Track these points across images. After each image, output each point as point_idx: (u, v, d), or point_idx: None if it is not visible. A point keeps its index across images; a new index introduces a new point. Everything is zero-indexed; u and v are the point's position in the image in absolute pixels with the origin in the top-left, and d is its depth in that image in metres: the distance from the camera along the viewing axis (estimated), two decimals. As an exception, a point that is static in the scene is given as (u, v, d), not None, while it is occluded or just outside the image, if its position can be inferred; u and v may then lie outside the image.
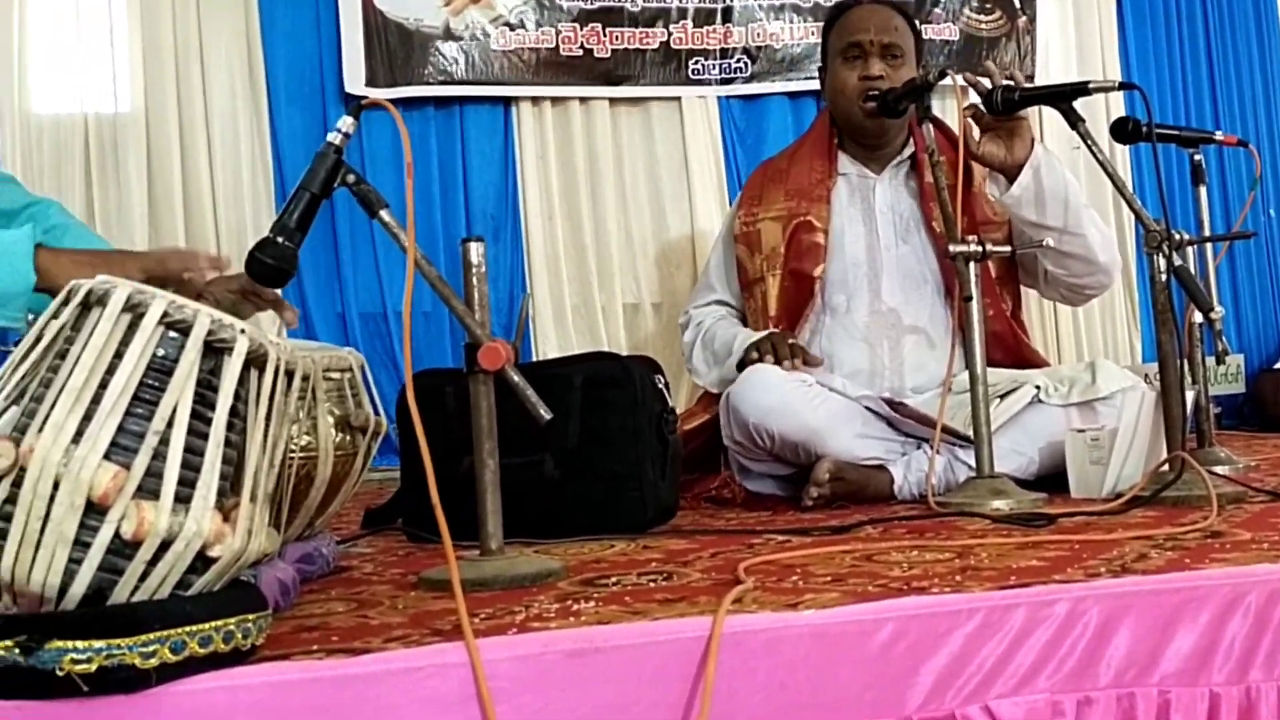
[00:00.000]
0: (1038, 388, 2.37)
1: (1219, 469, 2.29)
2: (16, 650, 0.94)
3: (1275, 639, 1.29)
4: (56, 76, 3.62)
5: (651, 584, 1.44)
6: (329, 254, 3.74)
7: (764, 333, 2.57)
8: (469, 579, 1.39)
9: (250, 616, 1.05)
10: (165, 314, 1.05)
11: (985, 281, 2.30)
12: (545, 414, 1.42)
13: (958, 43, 4.24)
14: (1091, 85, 2.18)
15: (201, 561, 1.04)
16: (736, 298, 2.79)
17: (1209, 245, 2.66)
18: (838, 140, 2.75)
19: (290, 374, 1.19)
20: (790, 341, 2.49)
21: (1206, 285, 2.56)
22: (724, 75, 4.08)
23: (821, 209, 2.65)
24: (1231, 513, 1.84)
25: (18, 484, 0.99)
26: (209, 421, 1.06)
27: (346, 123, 1.46)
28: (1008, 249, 2.38)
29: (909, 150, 2.71)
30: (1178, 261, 2.02)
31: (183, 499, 1.02)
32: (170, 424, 1.03)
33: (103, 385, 1.02)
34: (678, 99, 4.07)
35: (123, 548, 1.00)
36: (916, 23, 2.80)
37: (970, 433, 2.19)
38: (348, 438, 1.65)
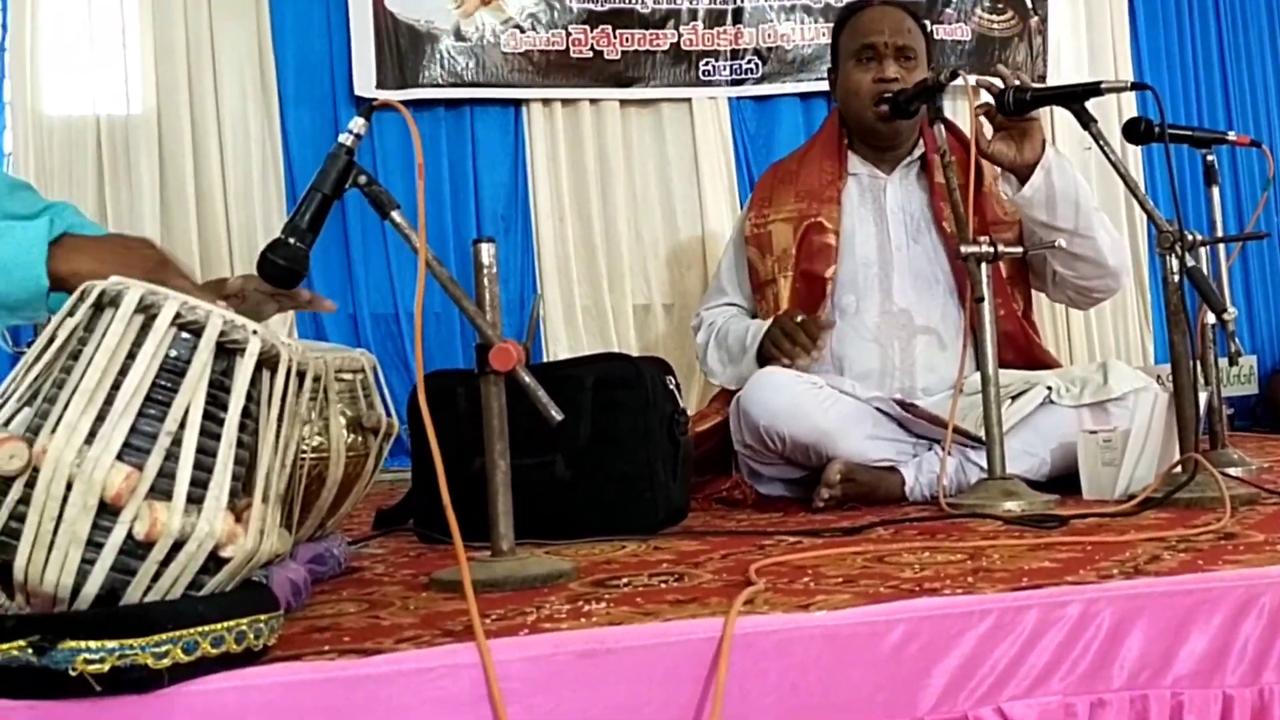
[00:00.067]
0: (1049, 389, 2.37)
1: (1232, 470, 2.28)
2: (30, 650, 0.94)
3: (1289, 641, 1.28)
4: (69, 78, 3.63)
5: (663, 585, 1.44)
6: (341, 255, 3.75)
7: (772, 320, 2.55)
8: (480, 580, 1.39)
9: (262, 617, 1.05)
10: (178, 315, 1.05)
11: (996, 282, 2.30)
12: (556, 415, 1.42)
13: (970, 43, 4.23)
14: (1104, 86, 2.18)
15: (214, 562, 1.04)
16: (748, 299, 2.78)
17: (1222, 246, 2.65)
18: (848, 141, 2.74)
19: (302, 375, 1.19)
20: (799, 320, 2.46)
21: (1219, 286, 2.55)
22: (735, 76, 4.08)
23: (832, 210, 2.64)
24: (1245, 514, 1.84)
25: (31, 485, 0.99)
26: (221, 422, 1.06)
27: (358, 124, 1.46)
28: (1019, 250, 2.38)
29: (919, 150, 2.70)
30: (1190, 262, 2.02)
31: (195, 500, 1.03)
32: (183, 425, 1.03)
33: (115, 386, 1.02)
34: (688, 100, 4.07)
35: (135, 548, 1.00)
36: (927, 24, 2.80)
37: (982, 434, 2.18)
38: (359, 439, 1.65)
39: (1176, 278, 2.03)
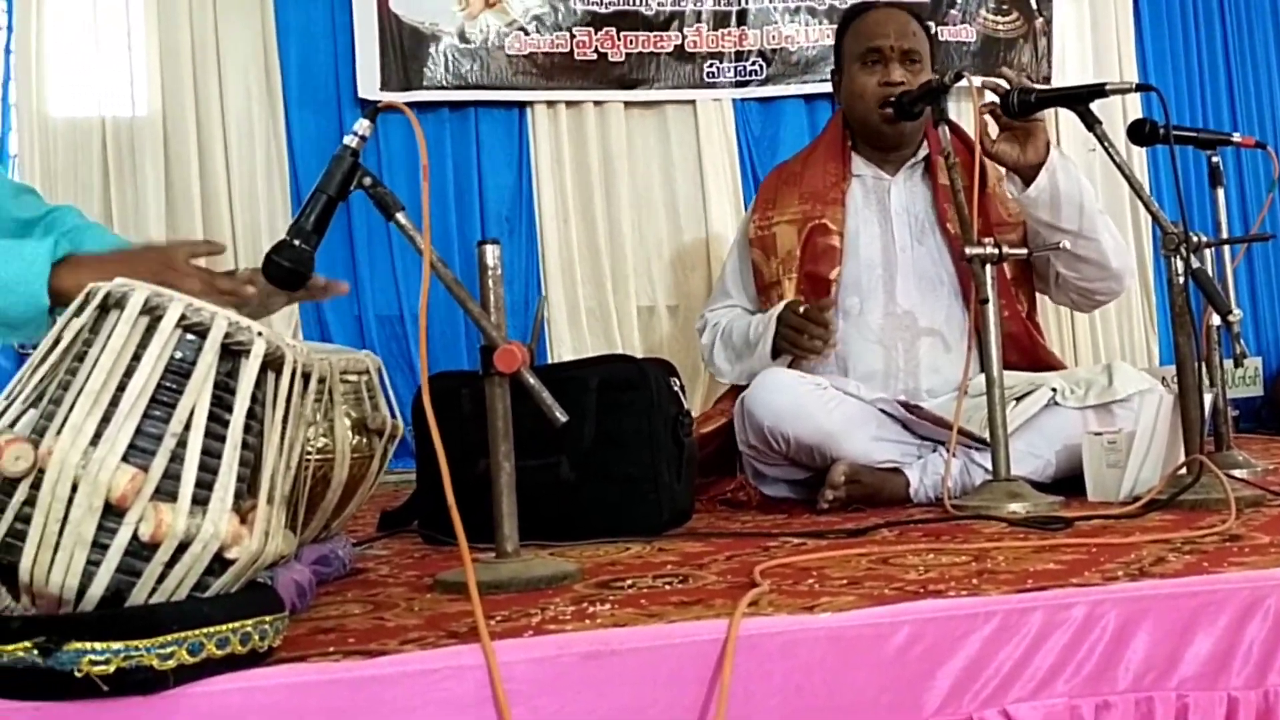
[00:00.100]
0: (1054, 390, 2.36)
1: (1237, 472, 2.28)
2: (35, 651, 0.94)
3: (1294, 643, 1.28)
4: (74, 80, 3.64)
5: (667, 586, 1.44)
6: (346, 256, 3.75)
7: (778, 309, 2.54)
8: (485, 581, 1.39)
9: (267, 618, 1.05)
10: (183, 316, 1.06)
11: (1001, 283, 2.30)
12: (561, 416, 1.42)
13: (975, 44, 4.23)
14: (1108, 87, 2.17)
15: (219, 563, 1.04)
16: (753, 301, 2.78)
17: (1227, 247, 2.65)
18: (851, 142, 2.74)
19: (307, 376, 1.19)
20: (803, 311, 2.45)
21: (1224, 288, 2.55)
22: (739, 78, 4.08)
23: (836, 211, 2.64)
24: (1250, 516, 1.83)
25: (36, 486, 0.99)
26: (226, 424, 1.06)
27: (363, 125, 1.46)
28: (1024, 251, 2.38)
29: (924, 151, 2.70)
30: (1195, 264, 2.01)
31: (200, 501, 1.03)
32: (188, 426, 1.03)
33: (121, 387, 1.03)
34: (693, 102, 4.07)
35: (141, 549, 1.00)
36: (930, 25, 2.80)
37: (986, 435, 2.18)
38: (364, 440, 1.65)
39: (1181, 279, 2.03)
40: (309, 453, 1.51)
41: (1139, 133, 2.44)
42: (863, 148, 2.73)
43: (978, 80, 2.32)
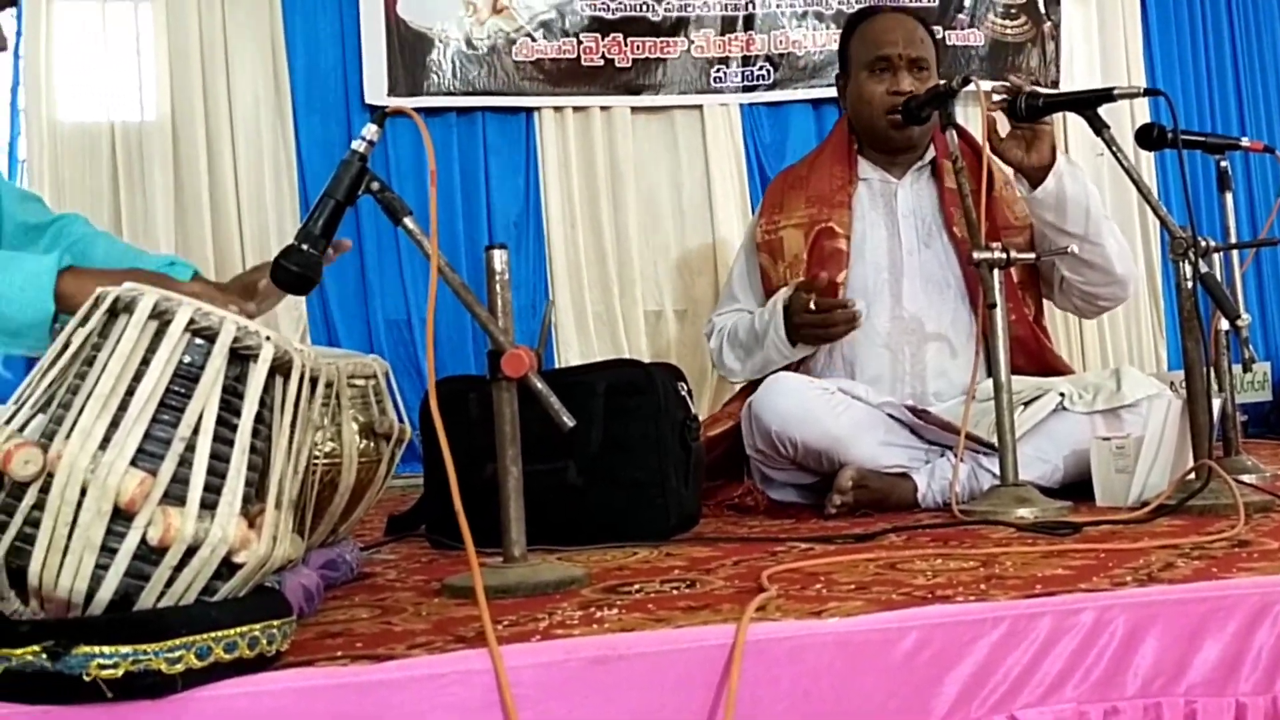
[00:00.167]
0: (1062, 395, 2.36)
1: (1246, 477, 2.28)
2: (44, 655, 0.94)
3: (1304, 649, 1.28)
4: (83, 85, 3.65)
5: (675, 591, 1.44)
6: (354, 261, 3.76)
7: (781, 297, 2.53)
8: (492, 586, 1.39)
9: (275, 622, 1.05)
10: (191, 321, 1.06)
11: (1008, 286, 2.30)
12: (568, 421, 1.42)
13: (982, 48, 4.23)
14: (1116, 91, 2.18)
15: (227, 567, 1.04)
16: (761, 305, 2.78)
17: (1235, 252, 2.65)
18: (857, 146, 2.74)
19: (315, 381, 1.19)
20: (811, 303, 2.44)
21: (1233, 292, 2.54)
22: (746, 83, 4.09)
23: (843, 215, 2.64)
24: (1259, 521, 1.83)
25: (46, 490, 0.99)
26: (234, 428, 1.07)
27: (371, 130, 1.47)
28: (1031, 256, 2.38)
29: (930, 154, 2.70)
30: (1203, 268, 2.01)
31: (208, 505, 1.03)
32: (196, 430, 1.04)
33: (130, 392, 1.03)
34: (700, 107, 4.07)
35: (149, 553, 1.00)
36: (936, 30, 2.80)
37: (994, 440, 2.18)
38: (371, 444, 1.65)
39: (1190, 284, 2.02)
40: (317, 457, 1.51)
41: (1147, 137, 2.43)
42: (869, 151, 2.73)
43: (986, 84, 2.32)
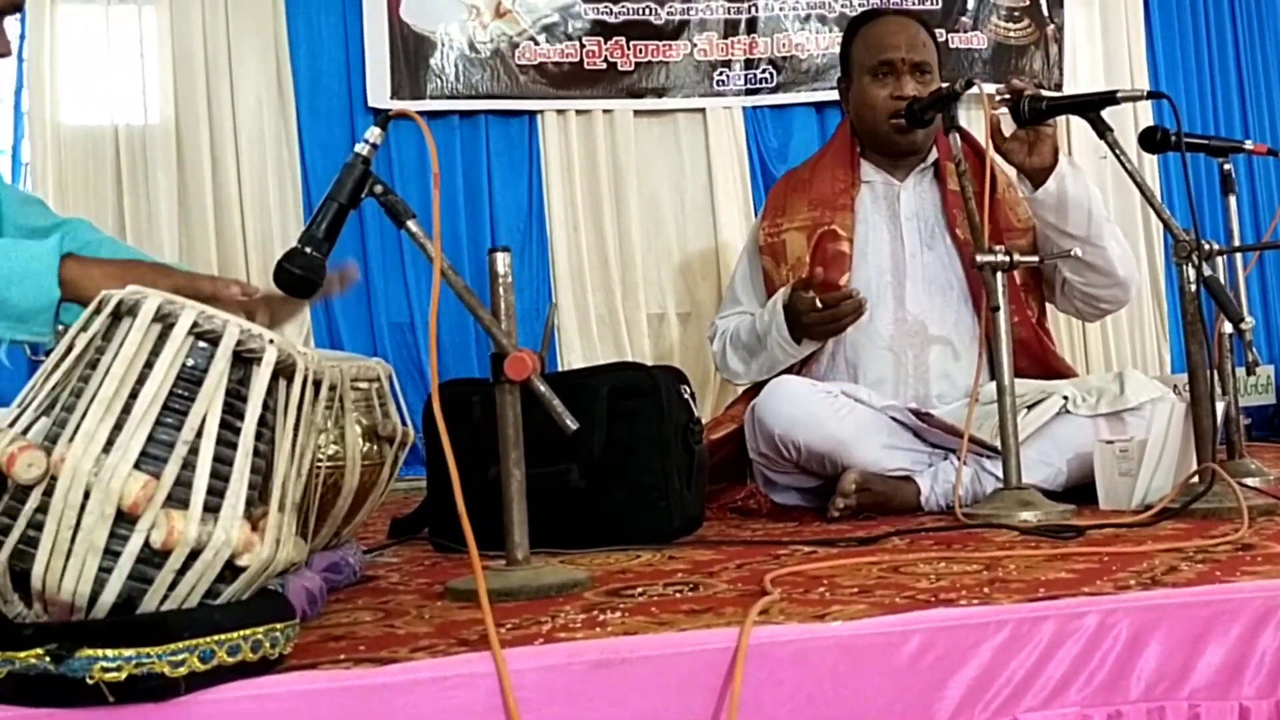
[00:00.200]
0: (1065, 398, 2.36)
1: (1249, 481, 2.27)
2: (47, 658, 0.94)
3: (1308, 653, 1.27)
4: (87, 88, 3.66)
5: (678, 595, 1.44)
6: (358, 264, 3.76)
7: (780, 298, 2.52)
8: (495, 589, 1.39)
9: (278, 626, 1.05)
10: (195, 324, 1.06)
11: (1011, 289, 2.29)
12: (571, 424, 1.42)
13: (986, 51, 4.23)
14: (1120, 94, 2.17)
15: (230, 570, 1.04)
16: (763, 308, 2.78)
17: (1239, 255, 2.64)
18: (860, 149, 2.74)
19: (318, 384, 1.19)
20: (810, 301, 2.43)
21: (1236, 295, 2.54)
22: (749, 86, 4.09)
23: (846, 217, 2.64)
24: (1262, 525, 1.83)
25: (49, 493, 0.99)
26: (238, 431, 1.06)
27: (374, 133, 1.47)
28: (1035, 259, 2.37)
29: (933, 156, 2.70)
30: (1207, 272, 2.01)
31: (212, 508, 1.03)
32: (200, 434, 1.04)
33: (133, 395, 1.03)
34: (702, 110, 4.07)
35: (152, 557, 1.00)
36: (939, 33, 2.80)
37: (997, 443, 2.17)
38: (375, 447, 1.65)
39: (1193, 287, 2.02)
40: (320, 460, 1.51)
41: (1150, 140, 2.43)
42: (871, 154, 2.73)
43: (989, 88, 2.33)
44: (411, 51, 3.84)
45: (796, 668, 1.14)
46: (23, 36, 3.56)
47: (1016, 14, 4.26)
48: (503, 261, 1.53)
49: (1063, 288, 2.61)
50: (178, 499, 1.02)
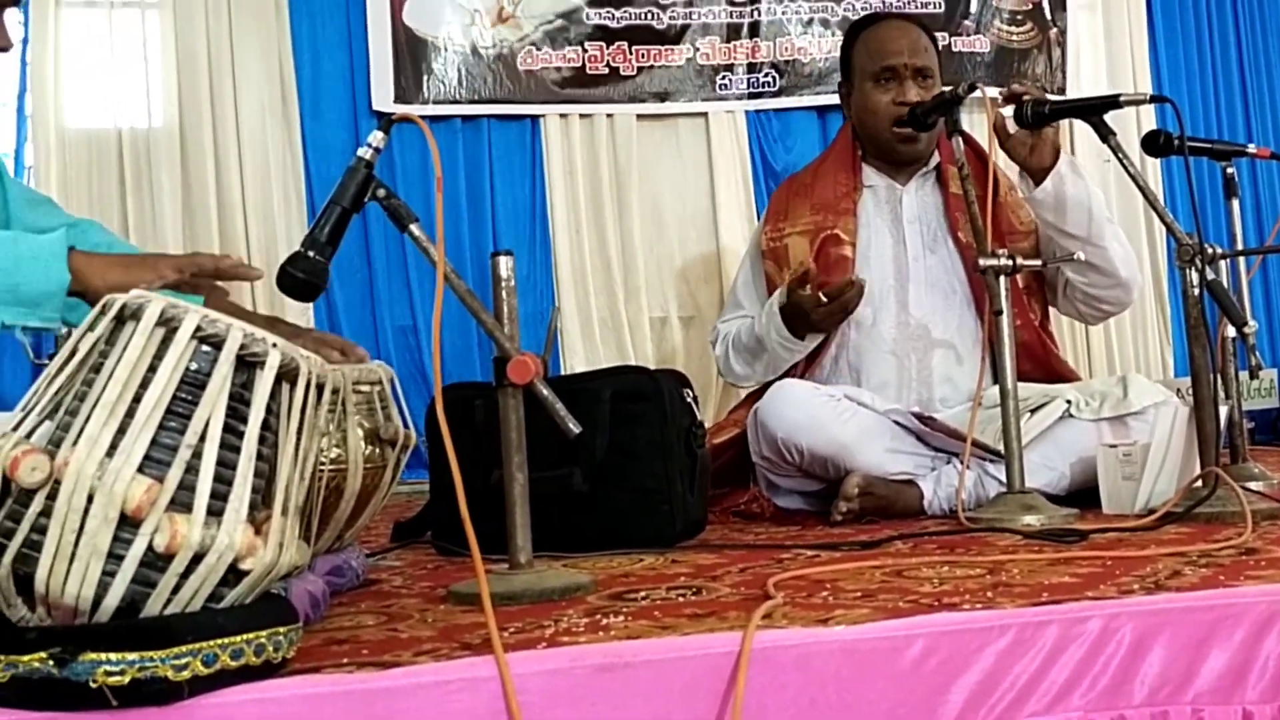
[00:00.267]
0: (1069, 402, 2.36)
1: (1253, 485, 2.27)
2: (50, 662, 0.94)
3: (1312, 657, 1.27)
4: (90, 91, 3.66)
5: (681, 599, 1.44)
6: (361, 267, 3.77)
7: (777, 300, 2.51)
8: (498, 593, 1.39)
9: (281, 629, 1.05)
10: (198, 328, 1.06)
11: (1014, 292, 2.29)
12: (574, 428, 1.42)
13: (988, 55, 4.23)
14: (1123, 98, 2.18)
15: (233, 574, 1.04)
16: (766, 312, 2.78)
17: (1242, 259, 2.64)
18: (861, 153, 2.74)
19: (321, 387, 1.19)
20: (812, 298, 2.42)
21: (1239, 299, 2.54)
22: (752, 90, 4.09)
23: (848, 221, 2.64)
24: (1266, 529, 1.82)
25: (52, 497, 1.00)
26: (241, 435, 1.07)
27: (377, 137, 1.47)
28: (1038, 262, 2.38)
29: (935, 160, 2.70)
30: (1210, 275, 2.01)
31: (215, 512, 1.03)
32: (203, 437, 1.04)
33: (136, 399, 1.03)
34: (705, 114, 4.08)
35: (156, 560, 1.00)
36: (940, 36, 2.80)
37: (1000, 447, 2.17)
38: (377, 450, 1.65)
39: (1196, 291, 2.02)
40: (322, 463, 1.51)
41: (1153, 144, 2.43)
42: (873, 158, 2.73)
43: (992, 91, 2.33)
44: (414, 55, 3.85)
45: (800, 672, 1.14)
46: (26, 39, 3.57)
47: (1019, 17, 4.26)
48: (505, 265, 1.53)
49: (1065, 289, 2.61)
50: (181, 503, 1.02)
